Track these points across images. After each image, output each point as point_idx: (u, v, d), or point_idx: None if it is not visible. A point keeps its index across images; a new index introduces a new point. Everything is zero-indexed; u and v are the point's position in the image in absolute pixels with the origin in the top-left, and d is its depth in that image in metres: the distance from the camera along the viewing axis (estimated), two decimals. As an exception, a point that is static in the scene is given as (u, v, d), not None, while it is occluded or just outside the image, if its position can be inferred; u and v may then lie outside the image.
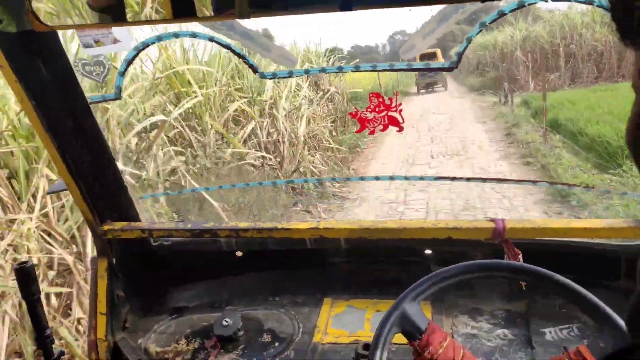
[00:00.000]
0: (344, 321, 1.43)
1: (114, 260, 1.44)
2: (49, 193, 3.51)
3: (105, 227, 1.40)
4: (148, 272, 1.62)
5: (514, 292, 1.40)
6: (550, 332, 1.27)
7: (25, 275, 1.28)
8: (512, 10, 1.00)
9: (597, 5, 0.93)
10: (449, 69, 1.07)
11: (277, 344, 1.38)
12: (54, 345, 1.35)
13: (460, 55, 1.03)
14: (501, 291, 1.42)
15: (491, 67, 21.33)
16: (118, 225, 1.42)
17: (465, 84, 23.75)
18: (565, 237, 1.20)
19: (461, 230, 1.22)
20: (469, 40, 1.03)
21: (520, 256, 1.17)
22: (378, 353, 0.94)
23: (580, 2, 0.97)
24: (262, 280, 1.64)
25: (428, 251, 1.47)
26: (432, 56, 26.17)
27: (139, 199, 1.61)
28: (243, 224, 1.37)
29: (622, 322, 0.85)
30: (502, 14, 1.00)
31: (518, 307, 1.40)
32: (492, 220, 1.24)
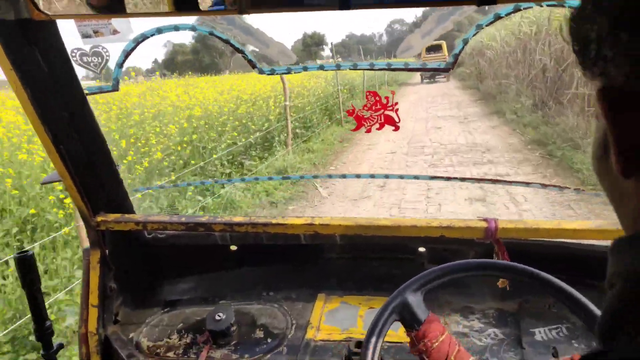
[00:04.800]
0: (337, 317, 1.44)
1: (107, 252, 1.43)
2: (42, 184, 3.50)
3: (99, 219, 1.39)
4: (141, 265, 1.62)
5: (506, 290, 1.42)
6: (540, 332, 1.29)
7: (26, 265, 1.26)
8: (508, 14, 1.01)
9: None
10: (445, 70, 1.07)
11: (269, 340, 1.39)
12: (53, 338, 1.33)
13: (456, 56, 1.04)
14: (493, 290, 1.44)
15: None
16: (111, 216, 1.41)
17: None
18: (556, 237, 1.22)
19: (454, 229, 1.24)
20: (466, 42, 1.04)
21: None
22: (373, 339, 0.93)
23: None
24: (256, 274, 1.65)
25: (422, 249, 1.48)
26: (437, 48, 26.40)
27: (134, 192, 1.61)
28: (237, 218, 1.37)
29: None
30: (498, 17, 1.01)
31: (510, 306, 1.42)
32: (485, 219, 1.25)
